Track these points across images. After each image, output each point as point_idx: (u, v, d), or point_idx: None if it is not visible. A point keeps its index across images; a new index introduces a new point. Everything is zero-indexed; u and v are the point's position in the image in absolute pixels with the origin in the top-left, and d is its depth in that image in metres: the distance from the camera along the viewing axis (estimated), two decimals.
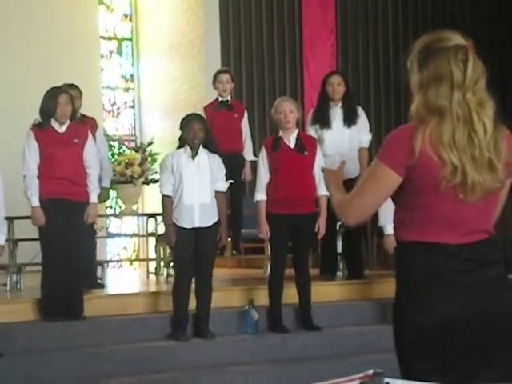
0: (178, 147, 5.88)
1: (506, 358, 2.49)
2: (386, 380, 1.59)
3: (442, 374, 2.37)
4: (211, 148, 5.87)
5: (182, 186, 5.75)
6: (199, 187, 5.77)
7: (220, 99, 7.27)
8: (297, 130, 6.06)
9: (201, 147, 5.82)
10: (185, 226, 5.75)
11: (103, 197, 6.75)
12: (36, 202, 5.75)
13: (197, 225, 5.75)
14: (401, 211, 2.56)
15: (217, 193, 5.85)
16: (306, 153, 5.99)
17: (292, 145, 6.01)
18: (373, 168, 2.53)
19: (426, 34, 2.54)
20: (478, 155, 2.42)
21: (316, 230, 6.02)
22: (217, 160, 5.87)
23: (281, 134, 6.04)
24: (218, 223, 5.83)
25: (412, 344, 2.48)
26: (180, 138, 5.89)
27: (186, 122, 5.83)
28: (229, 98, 7.33)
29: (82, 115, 6.72)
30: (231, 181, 6.18)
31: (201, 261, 5.76)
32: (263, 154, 6.04)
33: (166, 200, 5.84)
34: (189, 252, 5.74)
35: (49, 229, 5.71)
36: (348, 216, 2.58)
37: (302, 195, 5.93)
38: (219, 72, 7.42)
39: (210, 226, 5.78)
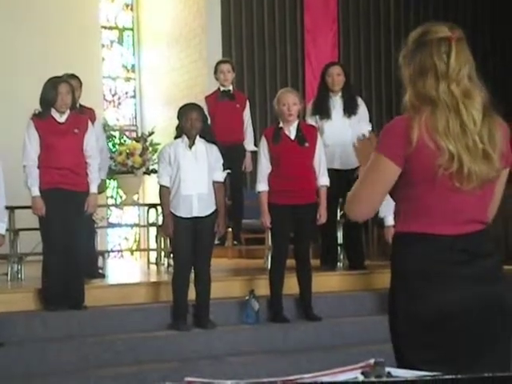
0: (176, 137, 5.88)
1: (500, 348, 2.50)
2: (388, 369, 1.59)
3: (437, 365, 2.37)
4: (208, 138, 5.86)
5: (180, 175, 5.76)
6: (196, 177, 5.77)
7: (222, 89, 7.26)
8: (297, 121, 6.04)
9: (198, 137, 5.82)
10: (183, 216, 5.75)
11: (100, 188, 6.75)
12: (36, 192, 5.75)
13: (195, 214, 5.75)
14: (398, 202, 2.57)
15: (214, 183, 5.85)
16: (306, 144, 5.98)
17: (293, 136, 5.99)
18: (372, 161, 2.51)
19: (416, 29, 2.57)
20: (471, 145, 2.43)
21: (318, 216, 6.02)
22: (214, 150, 5.87)
23: (281, 124, 6.02)
24: (215, 213, 5.83)
25: (407, 335, 2.49)
26: (177, 128, 5.89)
27: (183, 112, 5.83)
28: (230, 87, 7.32)
29: (81, 106, 6.70)
30: (228, 171, 6.18)
31: (199, 250, 5.77)
32: (264, 144, 6.03)
33: (164, 190, 5.85)
34: (187, 242, 5.74)
35: (49, 218, 5.71)
36: (348, 210, 2.58)
37: (303, 186, 5.93)
38: (220, 62, 7.42)
39: (207, 216, 5.78)
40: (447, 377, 1.57)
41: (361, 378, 1.58)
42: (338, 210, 7.06)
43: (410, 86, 2.51)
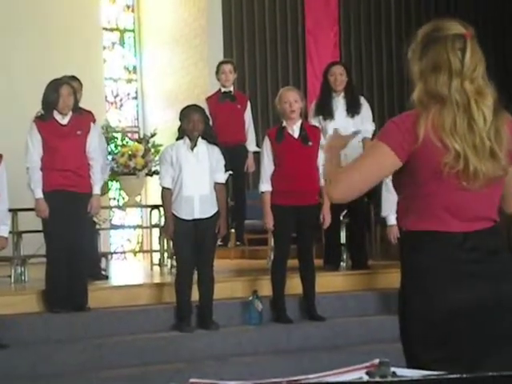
0: (178, 138, 5.88)
1: (510, 347, 2.48)
2: (392, 369, 1.58)
3: (447, 364, 2.36)
4: (210, 139, 5.87)
5: (182, 177, 5.76)
6: (198, 178, 5.77)
7: (223, 90, 7.26)
8: (300, 120, 6.03)
9: (200, 138, 5.82)
10: (184, 218, 5.75)
11: (102, 190, 6.71)
12: (39, 194, 5.75)
13: (196, 216, 5.75)
14: (404, 201, 2.55)
15: (216, 184, 5.85)
16: (310, 143, 5.97)
17: (296, 135, 5.98)
18: (372, 148, 2.51)
19: (426, 24, 2.53)
20: (478, 143, 2.41)
21: (322, 219, 6.01)
22: (216, 151, 5.87)
23: (284, 123, 6.01)
24: (217, 214, 5.83)
25: (417, 334, 2.48)
26: (179, 129, 5.89)
27: (185, 113, 5.83)
28: (231, 88, 7.32)
29: (80, 108, 6.67)
30: (230, 172, 6.18)
31: (201, 252, 5.77)
32: (267, 144, 6.02)
33: (166, 192, 5.85)
34: (189, 244, 5.75)
35: (52, 220, 5.71)
36: (335, 190, 2.50)
37: (306, 187, 5.91)
38: (222, 63, 7.42)
39: (209, 217, 5.78)
40: (452, 376, 1.57)
41: (365, 377, 1.57)
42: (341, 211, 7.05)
43: (421, 82, 2.47)
